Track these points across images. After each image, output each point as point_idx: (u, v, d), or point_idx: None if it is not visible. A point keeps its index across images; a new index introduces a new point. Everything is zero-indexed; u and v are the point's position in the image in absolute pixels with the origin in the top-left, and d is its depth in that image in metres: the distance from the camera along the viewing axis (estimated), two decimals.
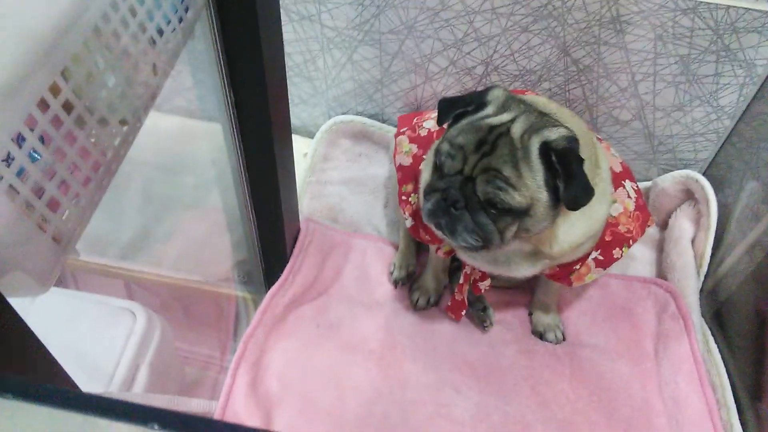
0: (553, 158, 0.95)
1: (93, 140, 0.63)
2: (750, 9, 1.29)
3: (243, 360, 1.26)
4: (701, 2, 1.30)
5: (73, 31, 0.57)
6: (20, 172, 0.55)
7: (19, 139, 0.55)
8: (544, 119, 1.01)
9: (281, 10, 1.48)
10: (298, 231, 1.43)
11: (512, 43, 1.46)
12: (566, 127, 0.99)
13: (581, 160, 0.96)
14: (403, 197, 1.36)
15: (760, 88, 1.42)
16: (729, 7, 1.29)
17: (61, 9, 0.55)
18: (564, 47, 1.45)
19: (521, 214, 0.99)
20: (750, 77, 1.40)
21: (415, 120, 1.47)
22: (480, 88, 1.58)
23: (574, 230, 1.10)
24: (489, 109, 1.03)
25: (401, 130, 1.41)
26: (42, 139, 0.57)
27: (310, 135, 1.77)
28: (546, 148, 0.96)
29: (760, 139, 1.44)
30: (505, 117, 1.00)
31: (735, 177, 1.51)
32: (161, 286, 1.44)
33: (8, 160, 0.53)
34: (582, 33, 1.41)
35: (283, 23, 1.52)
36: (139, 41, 0.70)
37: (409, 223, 1.37)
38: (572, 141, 0.97)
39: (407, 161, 1.35)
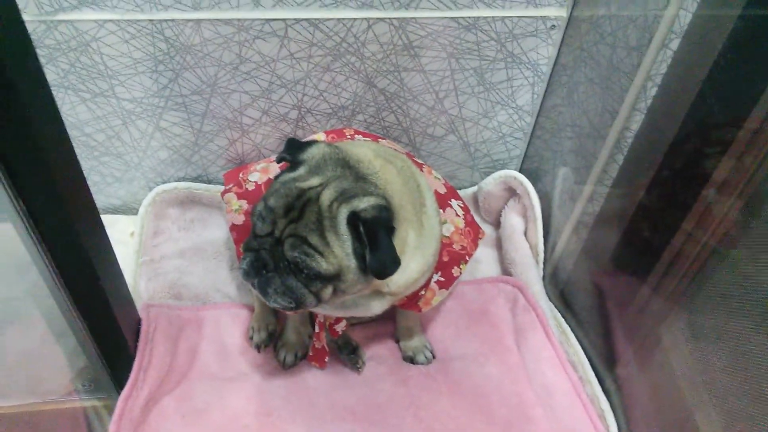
0: (361, 228, 0.96)
1: None
2: (522, 16, 1.41)
3: None
4: (479, 17, 1.39)
5: None
6: None
7: None
8: (357, 185, 1.00)
9: (70, 91, 1.38)
10: (139, 321, 1.32)
11: (318, 83, 1.48)
12: (380, 195, 0.99)
13: (390, 230, 0.98)
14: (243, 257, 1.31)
15: (548, 84, 1.55)
16: (504, 17, 1.40)
17: None
18: (368, 79, 1.48)
19: (331, 279, 1.00)
20: (537, 76, 1.53)
21: (240, 175, 1.43)
22: (299, 132, 1.57)
23: (408, 270, 1.11)
24: (302, 170, 1.02)
25: (227, 187, 1.36)
26: None
27: (134, 212, 1.66)
28: (354, 218, 0.96)
29: (559, 129, 1.57)
30: (314, 181, 0.99)
31: (548, 167, 1.64)
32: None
33: None
34: (381, 63, 1.45)
35: (74, 104, 1.41)
36: None
37: None
38: (382, 210, 0.97)
39: (240, 219, 1.31)
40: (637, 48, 1.25)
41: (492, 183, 1.67)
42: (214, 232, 1.67)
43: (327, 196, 0.97)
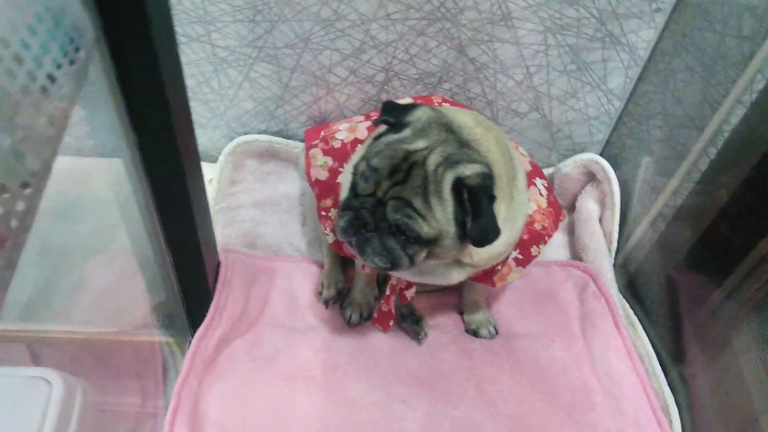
0: (465, 195, 0.96)
1: None
2: None
3: (178, 412, 1.18)
4: None
5: None
6: None
7: None
8: (462, 151, 0.99)
9: None
10: (218, 264, 1.35)
11: (410, 47, 1.46)
12: (482, 162, 0.99)
13: (492, 199, 0.97)
14: (323, 212, 1.32)
15: (643, 69, 1.50)
16: None
17: None
18: (460, 47, 1.47)
19: (429, 243, 1.00)
20: (634, 60, 1.48)
21: (322, 132, 1.44)
22: (383, 96, 1.57)
23: (495, 243, 1.11)
24: (407, 132, 1.01)
25: (313, 143, 1.38)
26: None
27: (213, 160, 1.69)
28: (459, 184, 0.96)
29: (648, 116, 1.53)
30: (420, 144, 0.99)
31: (630, 155, 1.60)
32: (73, 344, 1.31)
33: None
34: (476, 32, 1.43)
35: None
36: (30, 92, 0.62)
37: (330, 238, 1.34)
38: (486, 178, 0.97)
39: (323, 175, 1.32)
40: (750, 38, 1.20)
41: (571, 165, 1.64)
42: (289, 186, 1.69)
43: (433, 160, 0.97)
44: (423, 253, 1.01)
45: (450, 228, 0.98)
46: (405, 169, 0.97)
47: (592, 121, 1.62)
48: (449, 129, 1.02)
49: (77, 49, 0.72)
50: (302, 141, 1.65)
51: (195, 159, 1.05)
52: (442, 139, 0.99)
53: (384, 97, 1.57)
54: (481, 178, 0.95)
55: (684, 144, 1.38)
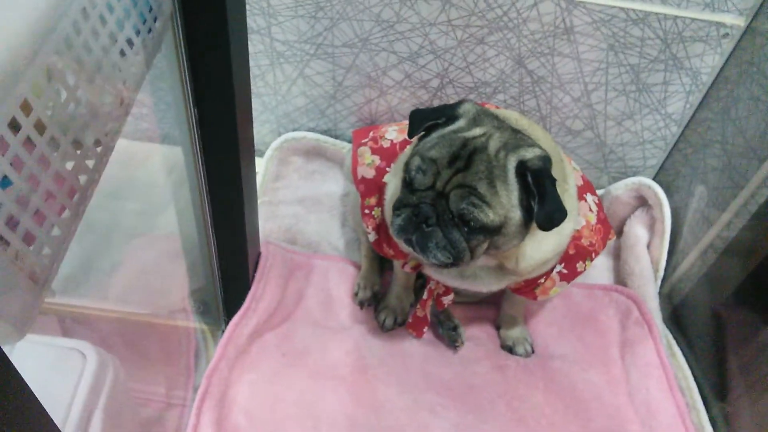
0: (529, 178, 0.94)
1: (67, 164, 0.55)
2: (696, 19, 1.33)
3: (207, 397, 1.17)
4: (651, 12, 1.33)
5: (47, 41, 0.50)
6: None
7: None
8: (518, 137, 0.99)
9: None
10: (259, 255, 1.35)
11: (468, 55, 1.45)
12: (540, 147, 0.98)
13: (554, 181, 0.95)
14: (366, 211, 1.31)
15: (705, 95, 1.47)
16: (677, 17, 1.33)
17: (37, 16, 0.47)
18: (519, 58, 1.45)
19: (493, 231, 0.97)
20: (696, 85, 1.45)
21: (371, 133, 1.43)
22: (435, 102, 1.56)
23: (542, 246, 1.09)
24: (461, 122, 1.00)
25: (362, 141, 1.37)
26: (13, 165, 0.49)
27: (259, 154, 1.69)
28: (522, 168, 0.94)
29: (705, 144, 1.49)
30: (478, 131, 0.98)
31: (683, 182, 1.56)
32: (106, 322, 1.32)
33: None
34: (536, 44, 1.42)
35: None
36: (110, 53, 0.62)
37: (372, 237, 1.32)
38: (547, 161, 0.95)
39: (370, 173, 1.31)
40: None
41: (622, 188, 1.60)
42: (332, 186, 1.69)
43: (493, 146, 0.95)
44: (485, 244, 0.99)
45: (515, 214, 0.96)
46: (465, 156, 0.95)
47: (647, 145, 1.59)
48: (499, 119, 1.01)
49: (155, 19, 0.73)
50: (350, 141, 1.65)
51: (251, 150, 1.05)
52: (497, 126, 0.99)
53: (436, 104, 1.56)
54: (543, 161, 0.94)
55: (742, 174, 1.33)
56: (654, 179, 1.64)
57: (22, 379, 0.43)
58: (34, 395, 0.45)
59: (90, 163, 0.59)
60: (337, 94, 1.58)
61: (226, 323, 1.31)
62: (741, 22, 1.33)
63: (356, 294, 1.44)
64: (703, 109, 1.50)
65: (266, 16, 1.43)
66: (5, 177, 0.47)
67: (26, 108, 0.50)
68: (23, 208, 0.49)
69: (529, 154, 0.95)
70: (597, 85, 1.48)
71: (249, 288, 1.29)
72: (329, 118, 1.64)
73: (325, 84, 1.56)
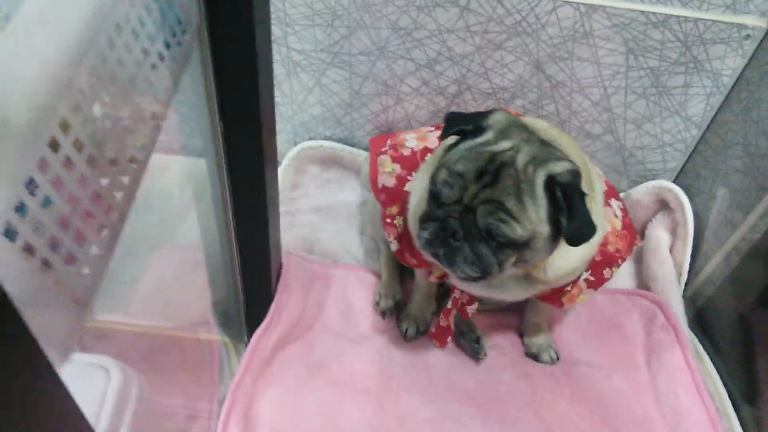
0: (558, 193, 0.93)
1: (104, 182, 0.54)
2: (717, 21, 1.32)
3: (232, 411, 1.16)
4: (671, 15, 1.32)
5: (84, 59, 0.49)
6: (36, 224, 0.46)
7: (31, 185, 0.46)
8: (547, 149, 0.97)
9: None
10: (281, 266, 1.34)
11: (486, 61, 1.44)
12: (569, 160, 0.97)
13: (584, 195, 0.94)
14: (388, 220, 1.30)
15: (726, 97, 1.45)
16: (697, 19, 1.32)
17: (74, 35, 0.47)
18: (537, 63, 1.44)
19: (522, 246, 0.96)
20: (716, 87, 1.43)
21: (389, 141, 1.42)
22: (453, 108, 1.55)
23: (570, 256, 1.07)
24: (489, 135, 0.99)
25: (382, 150, 1.36)
26: (53, 185, 0.48)
27: None
28: (551, 182, 0.93)
29: (727, 146, 1.48)
30: (505, 145, 0.96)
31: (704, 185, 1.54)
32: (128, 337, 1.31)
33: (21, 210, 0.44)
34: (555, 49, 1.41)
35: None
36: (143, 67, 0.62)
37: (394, 246, 1.31)
38: (576, 176, 0.94)
39: (391, 182, 1.30)
40: None
41: (643, 192, 1.59)
42: (349, 195, 1.68)
43: (521, 160, 0.94)
44: (513, 258, 0.98)
45: (543, 229, 0.94)
46: (493, 170, 0.93)
47: (667, 148, 1.57)
48: (527, 130, 1.00)
49: (183, 31, 0.72)
50: (366, 149, 1.64)
51: (274, 161, 1.05)
52: (526, 139, 0.97)
53: (454, 110, 1.55)
54: (572, 176, 0.93)
55: (766, 176, 1.32)
56: (674, 182, 1.63)
57: (76, 402, 0.42)
58: (87, 421, 0.44)
59: (125, 179, 0.58)
60: (353, 103, 1.57)
61: (249, 335, 1.30)
62: (763, 23, 1.32)
63: (378, 303, 1.42)
64: (723, 111, 1.48)
65: (282, 26, 1.43)
66: (46, 197, 0.46)
67: (65, 126, 0.49)
68: (65, 229, 0.48)
69: (558, 168, 0.93)
70: (616, 89, 1.47)
71: (271, 299, 1.28)
72: (346, 126, 1.63)
73: (342, 92, 1.55)
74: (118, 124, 0.57)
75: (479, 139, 0.98)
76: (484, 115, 1.01)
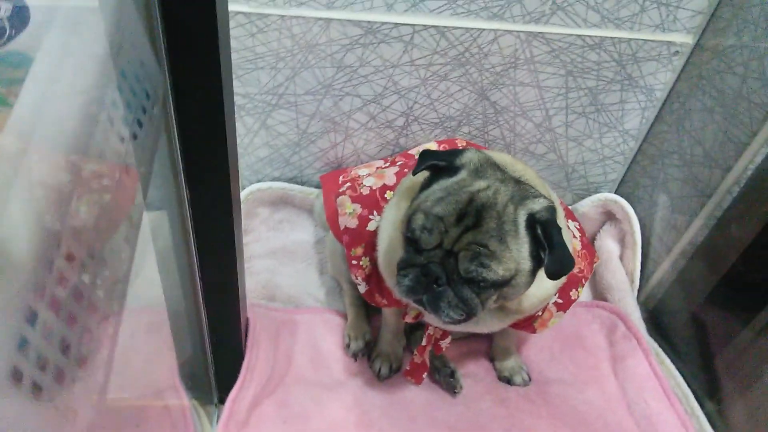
0: (539, 231, 0.93)
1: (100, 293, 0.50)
2: (648, 40, 1.38)
3: None
4: (606, 37, 1.38)
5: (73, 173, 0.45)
6: (40, 358, 0.41)
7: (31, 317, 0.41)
8: (522, 188, 0.98)
9: None
10: (247, 320, 1.29)
11: (431, 92, 1.45)
12: (544, 196, 0.98)
13: (560, 230, 0.95)
14: (354, 261, 1.28)
15: (659, 110, 1.53)
16: (630, 39, 1.38)
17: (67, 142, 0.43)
18: (482, 91, 1.46)
19: (503, 284, 0.97)
20: (650, 101, 1.50)
21: (341, 177, 1.40)
22: (402, 140, 1.55)
23: (544, 284, 1.08)
24: (463, 174, 0.98)
25: (340, 191, 1.34)
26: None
27: None
28: (532, 220, 0.94)
29: (663, 156, 1.55)
30: (482, 184, 0.96)
31: (644, 194, 1.61)
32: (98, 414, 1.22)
33: (24, 348, 0.40)
34: (498, 76, 1.43)
35: None
36: (120, 154, 0.57)
37: (363, 288, 1.29)
38: (553, 211, 0.95)
39: (353, 223, 1.28)
40: None
41: (589, 205, 1.64)
42: (302, 234, 1.64)
43: (502, 200, 0.94)
44: (494, 296, 0.98)
45: (525, 266, 0.95)
46: (473, 212, 0.93)
47: (607, 161, 1.63)
48: (500, 168, 1.00)
49: (153, 105, 0.68)
50: (317, 187, 1.62)
51: (238, 211, 1.00)
52: (500, 177, 0.97)
53: (402, 142, 1.55)
54: (549, 213, 0.94)
55: (706, 182, 1.39)
56: (616, 192, 1.69)
57: None
58: None
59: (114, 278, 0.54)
60: (301, 142, 1.54)
61: (219, 395, 1.24)
62: (690, 39, 1.39)
63: (348, 346, 1.39)
64: (658, 123, 1.55)
65: None
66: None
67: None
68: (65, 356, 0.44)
69: (536, 206, 0.94)
70: (557, 110, 1.51)
71: (242, 355, 1.23)
72: (294, 165, 1.60)
73: (289, 132, 1.52)
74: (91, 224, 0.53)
75: (454, 179, 0.98)
76: (456, 153, 1.01)
